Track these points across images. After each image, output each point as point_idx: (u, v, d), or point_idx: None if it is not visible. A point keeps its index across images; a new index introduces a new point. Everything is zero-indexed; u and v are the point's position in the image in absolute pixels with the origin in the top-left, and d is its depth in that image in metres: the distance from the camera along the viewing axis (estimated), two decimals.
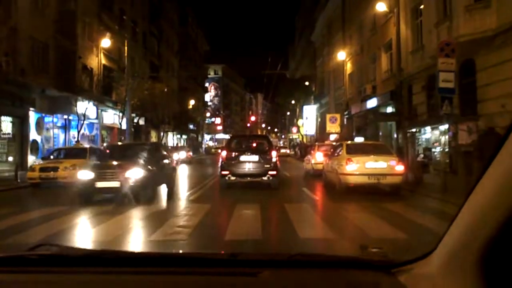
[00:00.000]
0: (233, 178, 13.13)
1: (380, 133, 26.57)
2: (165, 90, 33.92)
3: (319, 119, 47.04)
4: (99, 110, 29.28)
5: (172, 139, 53.48)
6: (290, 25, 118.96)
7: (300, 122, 58.91)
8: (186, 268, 1.53)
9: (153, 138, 45.41)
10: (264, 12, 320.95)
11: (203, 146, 72.97)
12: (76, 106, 22.87)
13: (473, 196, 1.06)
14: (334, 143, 20.28)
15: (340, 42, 34.62)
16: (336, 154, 12.83)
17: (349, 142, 14.98)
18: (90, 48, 28.29)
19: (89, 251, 2.03)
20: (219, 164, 13.68)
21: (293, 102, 57.96)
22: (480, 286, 1.02)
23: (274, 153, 13.50)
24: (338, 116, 29.56)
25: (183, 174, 22.68)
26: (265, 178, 13.00)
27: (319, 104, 45.42)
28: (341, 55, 32.24)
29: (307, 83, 46.64)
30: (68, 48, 24.92)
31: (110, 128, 31.65)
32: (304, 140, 48.08)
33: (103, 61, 30.10)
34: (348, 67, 33.01)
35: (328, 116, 29.84)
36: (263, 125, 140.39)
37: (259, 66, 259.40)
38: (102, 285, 1.44)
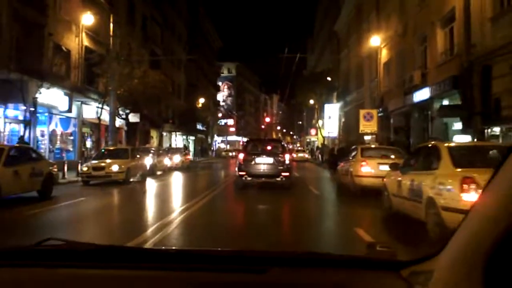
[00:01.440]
0: (249, 178, 13.99)
1: (429, 135, 20.65)
2: (163, 79, 28.03)
3: (342, 119, 41.21)
4: (79, 103, 23.95)
5: (175, 139, 47.56)
6: (308, 20, 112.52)
7: (319, 123, 53.32)
8: (193, 264, 1.51)
9: (154, 139, 40.00)
10: (280, 8, 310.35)
11: (213, 148, 67.26)
12: (23, 94, 16.77)
13: (481, 199, 1.07)
14: (388, 147, 14.44)
15: (373, 25, 28.78)
16: (425, 165, 6.95)
17: (453, 143, 8.92)
18: (67, 25, 22.89)
19: (97, 245, 1.66)
20: (237, 166, 14.65)
21: (311, 101, 52.41)
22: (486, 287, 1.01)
23: (287, 156, 14.37)
24: (374, 112, 23.60)
25: (159, 191, 15.76)
26: (278, 179, 13.80)
27: (343, 102, 39.53)
28: (375, 40, 26.44)
29: (329, 79, 40.71)
30: (33, 21, 19.57)
31: (94, 125, 26.19)
32: (326, 142, 42.09)
33: (86, 43, 24.70)
34: (384, 55, 27.14)
35: (361, 112, 23.87)
36: (278, 128, 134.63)
37: (275, 66, 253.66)
38: (109, 280, 1.43)
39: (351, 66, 37.05)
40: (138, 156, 18.27)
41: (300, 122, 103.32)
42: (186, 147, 50.80)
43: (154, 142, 39.56)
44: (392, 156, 11.77)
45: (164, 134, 42.96)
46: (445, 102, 18.38)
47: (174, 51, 47.40)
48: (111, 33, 23.12)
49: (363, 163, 11.45)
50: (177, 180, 20.27)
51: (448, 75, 16.87)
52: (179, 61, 49.62)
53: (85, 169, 16.04)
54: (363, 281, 1.38)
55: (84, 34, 24.33)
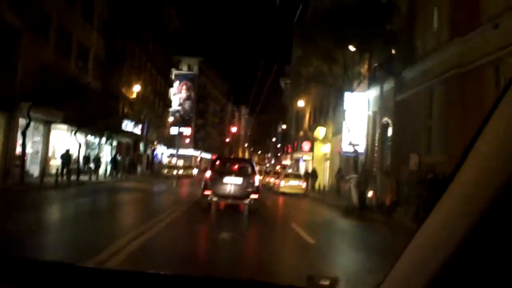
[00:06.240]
0: (215, 198, 13.34)
1: None
2: None
3: (384, 119, 21.12)
4: None
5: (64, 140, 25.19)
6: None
7: (320, 131, 33.23)
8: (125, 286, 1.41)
9: None
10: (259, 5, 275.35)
11: (155, 161, 45.48)
12: None
13: (423, 229, 0.99)
14: None
15: None
16: None
17: None
18: None
19: (28, 260, 1.53)
20: (202, 184, 13.69)
21: (310, 98, 33.19)
22: None
23: (257, 178, 13.84)
24: None
25: None
26: (246, 201, 13.23)
27: (397, 83, 19.36)
28: None
29: (352, 48, 20.18)
30: None
31: None
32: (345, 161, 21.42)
33: None
34: None
35: None
36: (246, 144, 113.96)
37: (247, 71, 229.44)
38: None
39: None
40: None
41: (275, 139, 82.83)
42: (115, 160, 30.11)
43: None
44: None
45: (32, 125, 21.19)
46: None
47: None
48: None
49: None
50: None
51: None
52: (88, 9, 28.57)
53: None
54: None
55: None
